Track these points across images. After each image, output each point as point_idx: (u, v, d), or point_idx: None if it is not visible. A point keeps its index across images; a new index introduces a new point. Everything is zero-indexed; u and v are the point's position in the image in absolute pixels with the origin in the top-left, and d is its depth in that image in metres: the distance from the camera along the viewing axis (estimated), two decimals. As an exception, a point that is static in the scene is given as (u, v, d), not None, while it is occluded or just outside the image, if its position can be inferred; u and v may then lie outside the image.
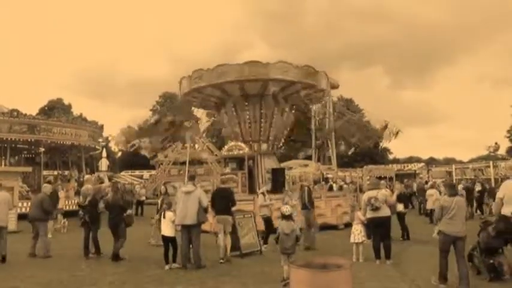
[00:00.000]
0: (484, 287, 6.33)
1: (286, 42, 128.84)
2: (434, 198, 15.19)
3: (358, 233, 8.43)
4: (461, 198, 6.74)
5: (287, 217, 6.68)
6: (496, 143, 29.26)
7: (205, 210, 8.08)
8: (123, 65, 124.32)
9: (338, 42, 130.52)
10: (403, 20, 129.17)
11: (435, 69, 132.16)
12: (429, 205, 15.15)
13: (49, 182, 12.38)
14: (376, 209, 7.92)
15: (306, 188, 10.40)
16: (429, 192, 15.64)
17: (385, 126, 19.68)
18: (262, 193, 10.49)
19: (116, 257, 8.60)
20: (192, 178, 8.50)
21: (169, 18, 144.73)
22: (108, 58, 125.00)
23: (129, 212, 9.49)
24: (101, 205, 9.17)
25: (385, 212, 8.12)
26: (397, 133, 19.84)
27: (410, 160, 59.38)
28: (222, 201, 8.56)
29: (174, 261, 8.00)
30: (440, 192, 15.80)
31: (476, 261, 6.88)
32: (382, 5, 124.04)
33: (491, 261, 6.53)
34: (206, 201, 8.08)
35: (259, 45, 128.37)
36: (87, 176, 14.18)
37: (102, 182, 10.49)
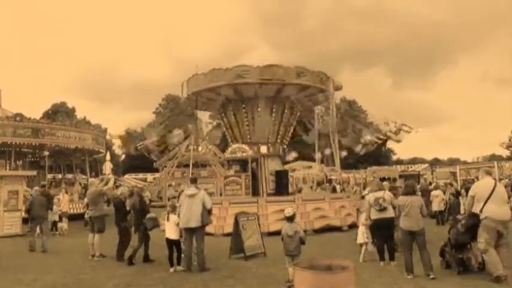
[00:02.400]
0: (453, 279, 6.70)
1: (287, 43, 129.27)
2: (439, 199, 15.16)
3: (361, 234, 8.53)
4: (416, 197, 7.47)
5: (290, 219, 6.67)
6: (510, 139, 28.59)
7: (209, 212, 8.09)
8: (124, 67, 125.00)
9: (339, 43, 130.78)
10: (403, 20, 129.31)
11: (437, 69, 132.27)
12: (435, 206, 15.04)
13: (43, 186, 12.78)
14: (383, 209, 7.94)
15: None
16: (434, 193, 15.56)
17: (399, 130, 19.66)
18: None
19: (135, 258, 8.65)
20: (193, 181, 8.47)
21: (170, 20, 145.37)
22: (110, 60, 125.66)
23: (150, 215, 9.47)
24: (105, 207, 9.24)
25: (390, 213, 8.11)
26: (400, 130, 19.84)
27: (414, 161, 59.30)
28: None
29: (178, 264, 8.01)
30: (444, 193, 15.79)
31: (447, 256, 7.34)
32: (383, 5, 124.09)
33: (461, 256, 7.02)
34: (210, 203, 8.09)
35: (261, 47, 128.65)
36: (91, 179, 14.19)
37: (106, 184, 10.46)
